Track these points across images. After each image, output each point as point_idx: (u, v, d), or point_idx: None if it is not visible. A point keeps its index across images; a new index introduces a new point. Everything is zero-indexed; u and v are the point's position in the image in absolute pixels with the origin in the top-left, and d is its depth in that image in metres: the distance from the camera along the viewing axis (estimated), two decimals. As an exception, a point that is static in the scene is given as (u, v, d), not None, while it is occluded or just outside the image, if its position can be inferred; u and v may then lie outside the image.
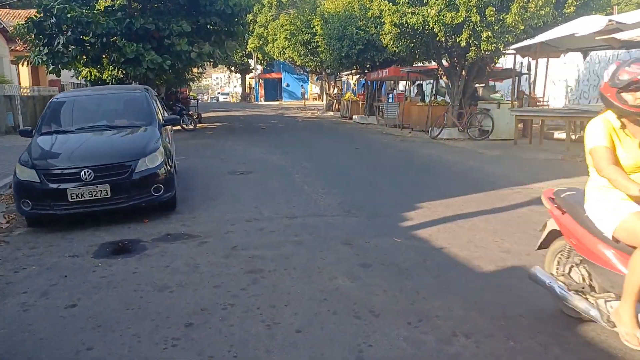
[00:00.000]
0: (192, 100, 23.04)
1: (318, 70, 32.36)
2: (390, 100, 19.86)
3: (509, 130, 13.79)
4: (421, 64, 21.31)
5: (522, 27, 11.41)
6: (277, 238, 5.44)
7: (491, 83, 15.38)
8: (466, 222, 5.89)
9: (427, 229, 5.66)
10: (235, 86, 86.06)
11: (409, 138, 15.08)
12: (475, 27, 11.67)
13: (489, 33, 11.40)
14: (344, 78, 29.45)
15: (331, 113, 29.06)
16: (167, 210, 6.61)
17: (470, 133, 13.94)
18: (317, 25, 23.08)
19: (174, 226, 6.03)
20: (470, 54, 12.09)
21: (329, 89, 30.43)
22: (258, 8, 47.16)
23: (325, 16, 21.33)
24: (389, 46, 14.62)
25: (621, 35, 8.52)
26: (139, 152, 6.21)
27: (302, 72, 53.19)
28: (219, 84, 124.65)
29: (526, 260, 4.57)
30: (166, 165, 6.40)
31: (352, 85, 25.60)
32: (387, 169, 9.50)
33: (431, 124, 15.86)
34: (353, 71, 24.15)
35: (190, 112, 21.16)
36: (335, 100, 29.67)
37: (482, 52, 12.05)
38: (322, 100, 47.48)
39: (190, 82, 52.26)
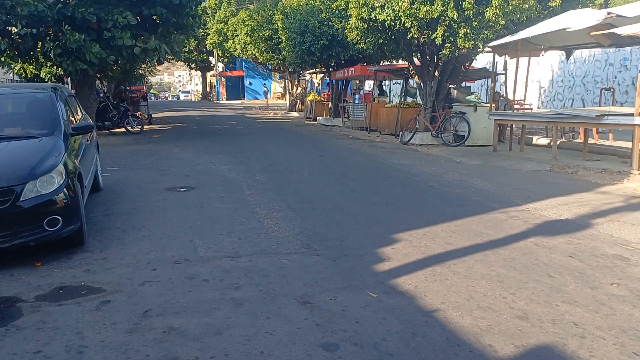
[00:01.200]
0: (142, 100, 21.16)
1: (281, 68, 30.84)
2: (356, 101, 18.56)
3: (487, 135, 12.67)
4: (388, 63, 20.13)
5: (503, 23, 10.25)
6: (209, 294, 3.98)
7: (466, 84, 14.21)
8: (460, 263, 4.57)
9: (411, 275, 4.30)
10: (196, 84, 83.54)
11: (378, 143, 13.79)
12: (452, 22, 10.44)
13: (467, 29, 10.18)
14: (308, 77, 28.05)
15: (295, 114, 27.62)
16: (71, 246, 5.06)
17: (444, 138, 12.74)
18: (279, 20, 21.59)
19: (74, 273, 4.48)
20: (444, 51, 10.86)
21: (292, 88, 28.95)
22: (217, 3, 45.49)
23: (286, 11, 19.85)
24: (355, 43, 13.29)
25: (623, 30, 7.39)
26: (26, 173, 4.62)
27: (264, 70, 51.61)
28: (181, 82, 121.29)
29: (554, 333, 3.28)
30: (68, 190, 4.82)
31: (316, 84, 24.25)
32: (356, 184, 8.13)
33: (401, 128, 14.63)
34: (317, 69, 22.76)
35: (138, 113, 19.36)
36: (298, 100, 28.22)
37: (459, 50, 10.83)
38: (286, 100, 45.95)
39: (143, 79, 50.09)
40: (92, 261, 4.75)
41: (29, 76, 17.30)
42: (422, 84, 13.34)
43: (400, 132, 13.71)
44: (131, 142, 14.02)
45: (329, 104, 22.53)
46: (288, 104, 29.08)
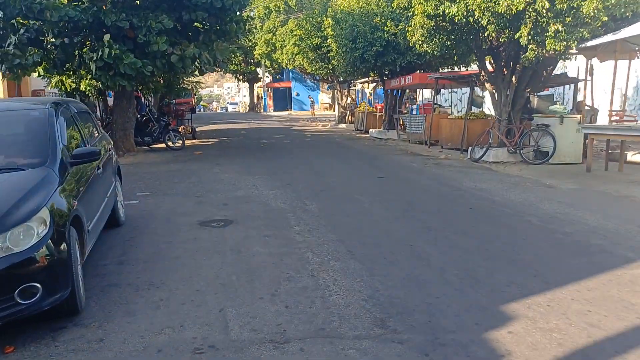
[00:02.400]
0: (188, 113, 20.24)
1: (329, 78, 29.53)
2: (414, 112, 16.90)
3: (574, 151, 10.79)
4: (448, 70, 18.41)
5: (605, 19, 8.44)
6: None
7: (546, 92, 12.33)
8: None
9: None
10: (244, 96, 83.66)
11: (444, 161, 12.09)
12: (539, 17, 8.70)
13: (558, 26, 8.41)
14: (359, 86, 26.55)
15: (344, 125, 26.17)
16: (61, 317, 3.74)
17: (523, 155, 10.93)
18: (329, 27, 20.25)
19: (53, 366, 3.15)
20: (529, 54, 9.10)
21: (341, 99, 27.51)
22: (265, 12, 44.88)
23: (337, 16, 18.47)
24: (417, 45, 11.70)
25: None
26: (-7, 223, 3.32)
27: (312, 81, 50.62)
28: (229, 94, 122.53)
29: None
30: (55, 243, 3.50)
31: (368, 94, 22.67)
32: (431, 218, 6.53)
33: (468, 142, 12.90)
34: (369, 78, 21.25)
35: (181, 127, 18.39)
36: (348, 112, 26.76)
37: (546, 52, 9.06)
38: (334, 111, 44.64)
39: (192, 92, 50.09)
40: (83, 344, 3.40)
41: (68, 89, 16.62)
42: (495, 93, 11.58)
43: (469, 148, 11.98)
44: (170, 159, 12.90)
45: (382, 115, 20.94)
46: (337, 116, 27.68)
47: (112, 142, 6.60)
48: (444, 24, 10.19)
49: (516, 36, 8.94)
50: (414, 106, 17.34)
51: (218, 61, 13.93)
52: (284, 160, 12.52)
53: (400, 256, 5.00)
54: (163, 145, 15.18)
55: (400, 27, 15.63)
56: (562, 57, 9.58)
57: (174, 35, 12.36)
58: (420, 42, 11.30)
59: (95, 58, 10.87)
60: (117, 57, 10.80)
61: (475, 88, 14.60)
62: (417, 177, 9.64)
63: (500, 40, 9.44)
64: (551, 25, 8.47)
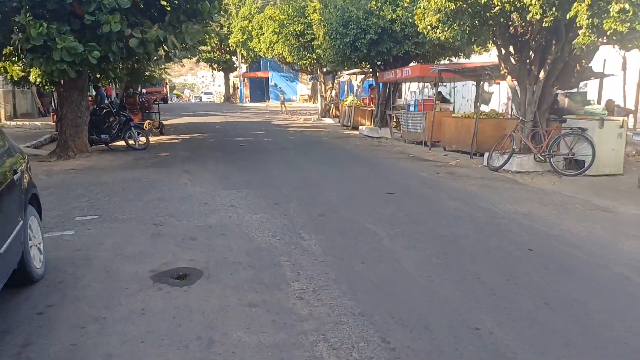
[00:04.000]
0: (155, 105, 17.99)
1: (311, 68, 27.53)
2: (411, 109, 15.06)
3: (615, 161, 9.11)
4: (447, 61, 16.66)
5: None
6: None
7: (577, 88, 10.59)
8: None
9: None
10: (219, 85, 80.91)
11: (455, 168, 10.28)
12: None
13: (625, 4, 6.61)
14: (345, 78, 24.58)
15: (328, 120, 24.22)
16: None
17: (554, 164, 9.19)
18: (314, 11, 18.26)
19: None
20: (581, 39, 7.28)
21: (325, 91, 25.48)
22: (241, -1, 42.57)
23: (325, -1, 16.49)
24: (426, 31, 9.83)
25: None
26: None
27: (291, 71, 48.47)
28: (204, 83, 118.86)
29: None
30: None
31: (356, 87, 20.72)
32: (483, 269, 4.69)
33: (478, 145, 11.17)
34: (358, 70, 19.32)
35: (146, 122, 16.19)
36: (332, 105, 24.80)
37: (604, 38, 7.28)
38: (314, 103, 42.55)
39: (162, 81, 47.50)
40: None
41: (15, 78, 14.28)
42: (518, 89, 9.80)
43: (486, 154, 10.19)
44: (129, 163, 10.78)
45: (371, 110, 19.09)
46: (320, 109, 25.66)
47: (25, 159, 4.54)
48: (465, 5, 8.31)
49: (569, 16, 7.08)
50: (412, 102, 15.50)
51: (187, 46, 11.81)
52: (268, 165, 10.54)
53: (472, 355, 3.13)
54: (122, 143, 13.02)
55: (398, 12, 13.75)
56: (624, 44, 7.70)
57: (133, 14, 10.20)
58: (431, 27, 9.42)
59: (19, 40, 8.68)
60: (51, 38, 8.63)
61: (485, 83, 12.83)
62: (435, 194, 7.78)
63: (545, 23, 7.59)
64: (614, 3, 6.65)
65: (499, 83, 14.54)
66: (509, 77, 9.95)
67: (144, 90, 40.19)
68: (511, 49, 9.69)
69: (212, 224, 6.06)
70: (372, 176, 9.36)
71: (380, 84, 17.21)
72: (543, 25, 7.68)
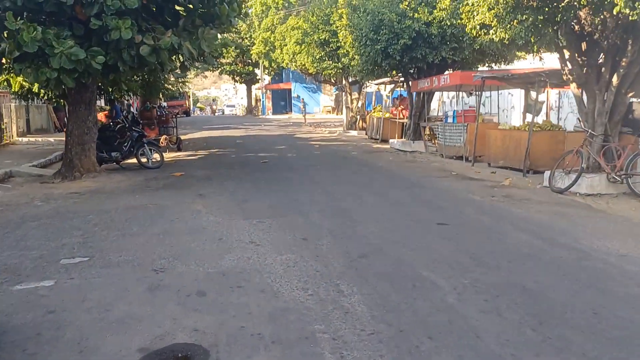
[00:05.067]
0: (173, 119, 16.98)
1: (335, 79, 26.38)
2: (449, 120, 13.71)
3: None
4: (486, 67, 15.30)
5: None
6: None
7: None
8: None
9: None
10: (242, 97, 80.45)
11: (511, 190, 8.88)
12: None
13: None
14: (372, 88, 23.29)
15: (354, 132, 22.96)
16: None
17: (631, 185, 7.74)
18: (342, 18, 17.08)
19: None
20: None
21: (351, 102, 24.20)
22: (263, 10, 41.88)
23: (354, 2, 15.29)
24: (474, 31, 8.53)
25: None
26: None
27: (314, 82, 47.52)
28: (227, 95, 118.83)
29: None
30: None
31: (385, 97, 19.40)
32: (575, 336, 3.37)
33: (531, 161, 9.80)
34: (387, 79, 18.05)
35: (162, 137, 15.18)
36: (359, 117, 23.53)
37: None
38: (340, 115, 41.36)
39: (176, 94, 46.77)
40: None
41: (16, 89, 13.35)
42: (586, 96, 8.40)
43: (548, 173, 8.78)
44: (138, 185, 9.66)
45: (402, 122, 17.77)
46: (345, 121, 24.40)
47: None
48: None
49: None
50: (450, 113, 14.14)
51: (205, 55, 10.73)
52: (293, 186, 9.31)
53: None
54: (134, 160, 11.95)
55: (435, 14, 12.47)
56: None
57: (144, 19, 9.16)
58: (481, 27, 8.11)
59: (7, 47, 7.66)
60: (48, 44, 7.59)
61: (532, 92, 11.43)
62: (497, 225, 6.42)
63: (632, 16, 6.21)
64: None
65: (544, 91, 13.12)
66: (574, 85, 8.55)
67: (164, 104, 39.73)
68: (576, 50, 8.29)
69: (227, 269, 4.82)
70: (415, 200, 8.04)
71: (414, 93, 15.89)
72: (630, 19, 6.30)
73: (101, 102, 21.52)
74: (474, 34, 8.62)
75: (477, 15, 7.95)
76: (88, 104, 10.63)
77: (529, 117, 11.80)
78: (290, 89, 51.72)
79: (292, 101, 51.33)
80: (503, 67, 15.25)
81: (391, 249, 5.39)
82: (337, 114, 44.03)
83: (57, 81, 8.31)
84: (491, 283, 4.39)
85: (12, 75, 11.83)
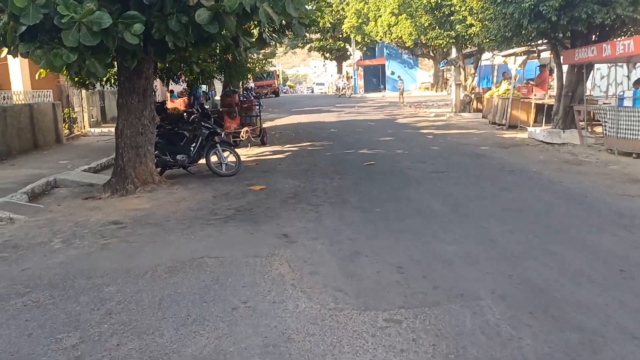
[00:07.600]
0: (255, 107, 14.31)
1: (441, 51, 22.48)
2: (626, 103, 9.78)
3: None
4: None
5: None
6: None
7: None
8: None
9: None
10: (331, 75, 77.45)
11: None
12: None
13: None
14: (499, 60, 19.14)
15: (468, 115, 19.16)
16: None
17: None
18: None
19: None
20: None
21: (465, 79, 20.26)
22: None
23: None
24: None
25: None
26: None
27: (410, 57, 43.46)
28: (315, 73, 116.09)
29: None
30: None
31: (514, 73, 15.45)
32: None
33: None
34: (521, 49, 14.13)
35: (244, 130, 12.56)
36: (473, 96, 19.64)
37: None
38: (440, 92, 37.10)
39: (274, 73, 44.51)
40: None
41: (82, 80, 11.26)
42: None
43: None
44: (201, 210, 6.94)
45: (537, 103, 13.90)
46: (455, 102, 20.55)
47: None
48: None
49: None
50: (627, 94, 10.18)
51: (291, 24, 7.77)
52: (426, 221, 6.13)
53: None
54: (201, 162, 9.37)
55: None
56: None
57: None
58: None
59: (3, 22, 5.16)
60: (56, 11, 5.00)
61: None
62: None
63: None
64: None
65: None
66: None
67: (252, 84, 37.63)
68: None
69: None
70: (632, 249, 4.60)
71: (564, 67, 11.97)
72: None
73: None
74: None
75: None
76: (142, 95, 8.07)
77: None
78: (384, 65, 47.94)
79: (386, 78, 47.55)
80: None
81: None
82: (436, 91, 39.76)
83: (81, 67, 5.73)
84: None
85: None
